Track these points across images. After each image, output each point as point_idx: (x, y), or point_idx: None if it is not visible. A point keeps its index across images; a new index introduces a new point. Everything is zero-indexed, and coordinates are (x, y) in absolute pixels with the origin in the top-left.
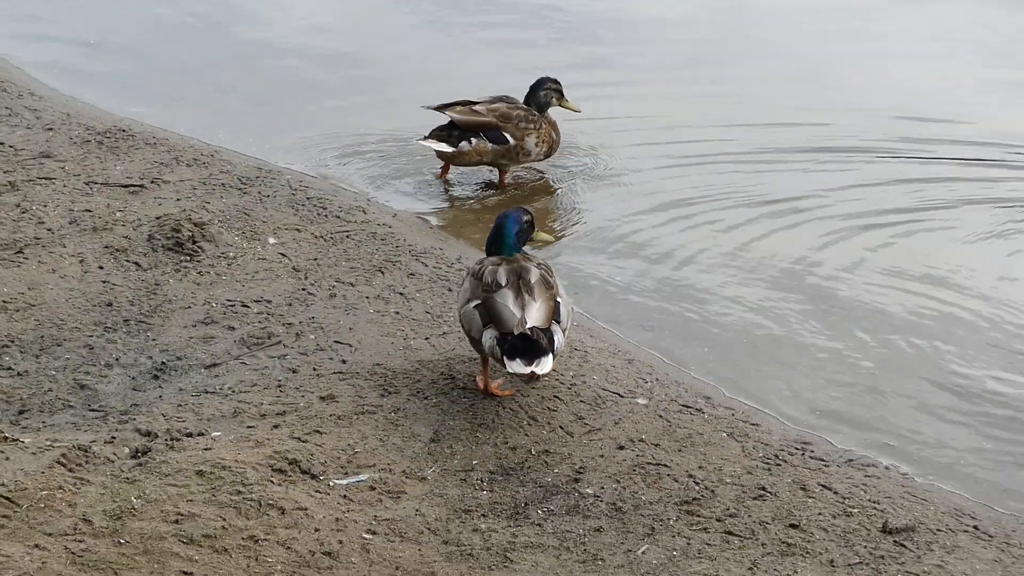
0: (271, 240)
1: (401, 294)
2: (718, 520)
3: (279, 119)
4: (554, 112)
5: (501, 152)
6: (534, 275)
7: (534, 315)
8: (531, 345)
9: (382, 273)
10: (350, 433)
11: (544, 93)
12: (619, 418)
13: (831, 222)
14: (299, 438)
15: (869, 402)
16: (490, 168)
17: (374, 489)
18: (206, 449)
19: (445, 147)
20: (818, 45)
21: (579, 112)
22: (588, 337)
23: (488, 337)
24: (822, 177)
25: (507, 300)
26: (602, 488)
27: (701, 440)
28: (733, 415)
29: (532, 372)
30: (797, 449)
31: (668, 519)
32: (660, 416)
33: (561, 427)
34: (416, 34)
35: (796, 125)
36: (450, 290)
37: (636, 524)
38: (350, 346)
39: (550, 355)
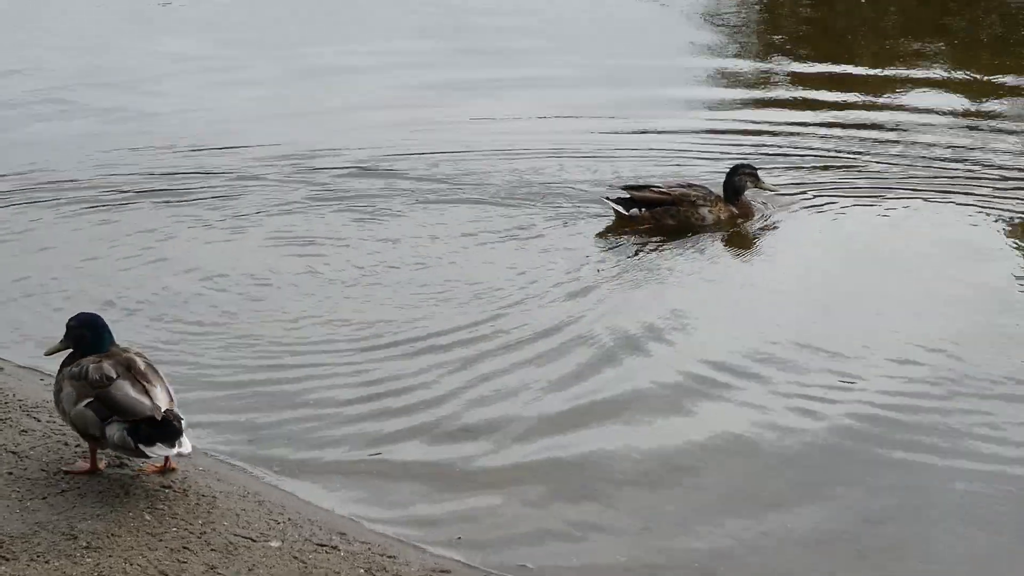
0: None
1: (13, 453)
2: None
3: None
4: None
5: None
6: (141, 363)
7: (162, 398)
8: (166, 428)
9: None
10: None
11: (739, 179)
12: (253, 564)
13: None
14: None
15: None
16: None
17: None
18: None
19: (621, 210)
20: None
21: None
22: (216, 481)
23: (116, 429)
24: None
25: (127, 390)
26: None
27: None
28: (370, 549)
29: (179, 454)
30: None
31: None
32: (295, 558)
33: None
34: None
35: None
36: (67, 444)
37: None
38: None
39: (183, 435)
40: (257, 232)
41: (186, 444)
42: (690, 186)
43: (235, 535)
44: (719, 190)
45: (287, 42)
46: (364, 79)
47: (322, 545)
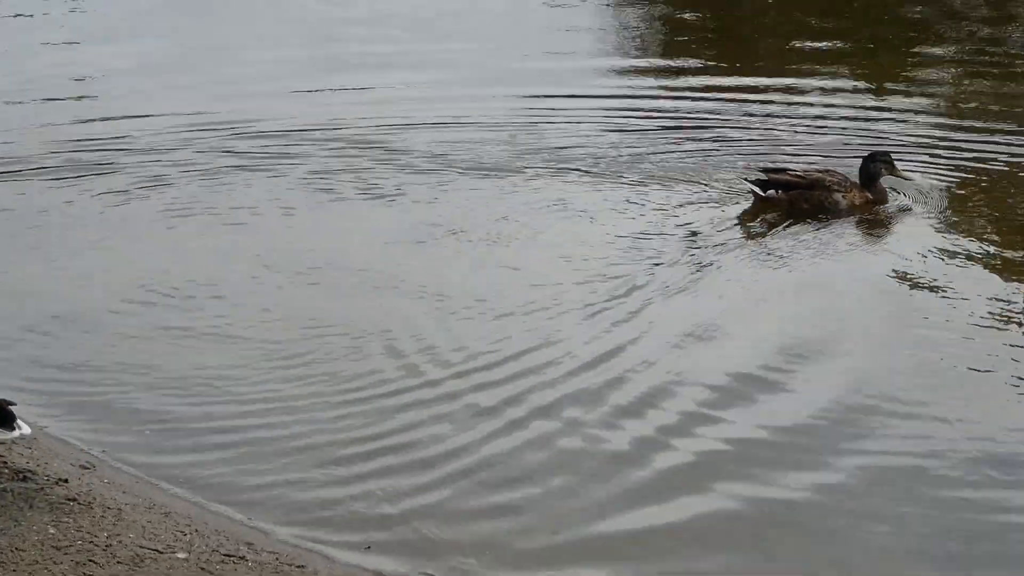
0: None
1: None
2: None
3: None
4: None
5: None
6: None
7: None
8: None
9: None
10: None
11: (874, 166)
12: None
13: None
14: None
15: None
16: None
17: None
18: None
19: (759, 191)
20: None
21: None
22: (121, 493)
23: None
24: None
25: None
26: None
27: None
28: (278, 559)
29: (21, 435)
30: None
31: None
32: (202, 569)
33: None
34: None
35: None
36: None
37: None
38: None
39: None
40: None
41: (25, 427)
42: (826, 171)
43: (141, 547)
44: (855, 177)
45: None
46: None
47: (229, 555)
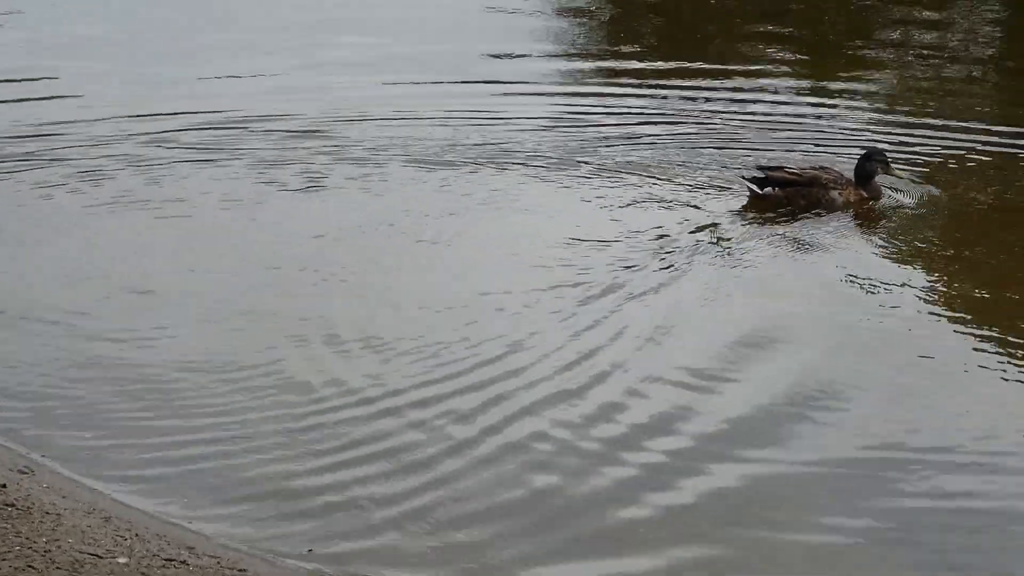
0: None
1: None
2: None
3: None
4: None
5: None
6: None
7: None
8: None
9: None
10: None
11: (870, 164)
12: None
13: None
14: None
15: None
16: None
17: None
18: None
19: (756, 188)
20: None
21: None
22: (60, 498)
23: None
24: None
25: None
26: None
27: None
28: (219, 563)
29: None
30: None
31: None
32: (143, 573)
33: None
34: None
35: None
36: None
37: None
38: None
39: None
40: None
41: None
42: (822, 168)
43: (81, 552)
44: (851, 174)
45: None
46: None
47: (170, 560)
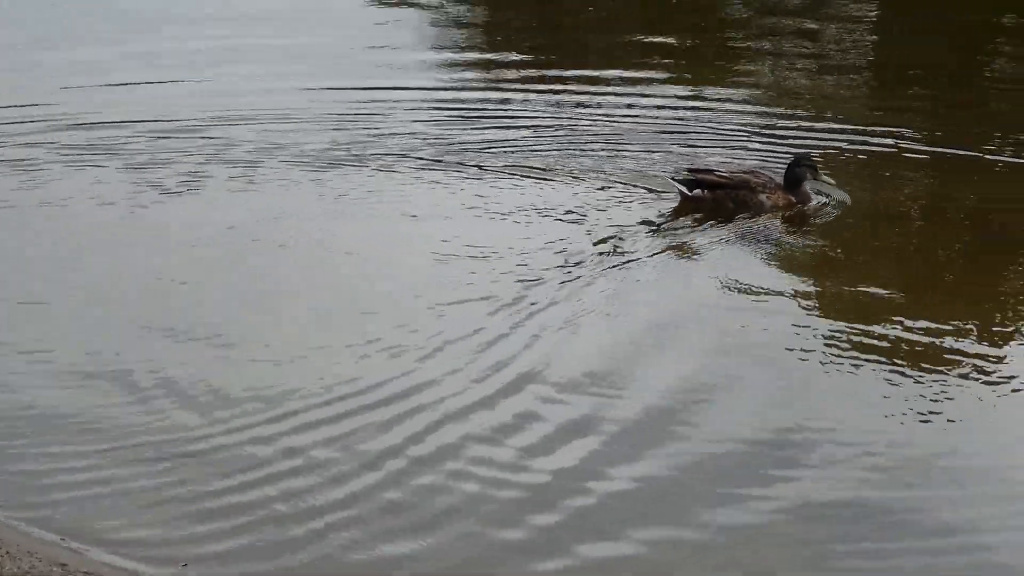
0: None
1: None
2: None
3: None
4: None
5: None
6: None
7: None
8: None
9: None
10: None
11: (799, 170)
12: None
13: None
14: None
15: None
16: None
17: None
18: None
19: (685, 190)
20: None
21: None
22: None
23: None
24: None
25: None
26: None
27: None
28: None
29: None
30: None
31: None
32: None
33: None
34: None
35: None
36: None
37: None
38: None
39: None
40: None
41: None
42: (752, 172)
43: None
44: (780, 178)
45: None
46: None
47: None
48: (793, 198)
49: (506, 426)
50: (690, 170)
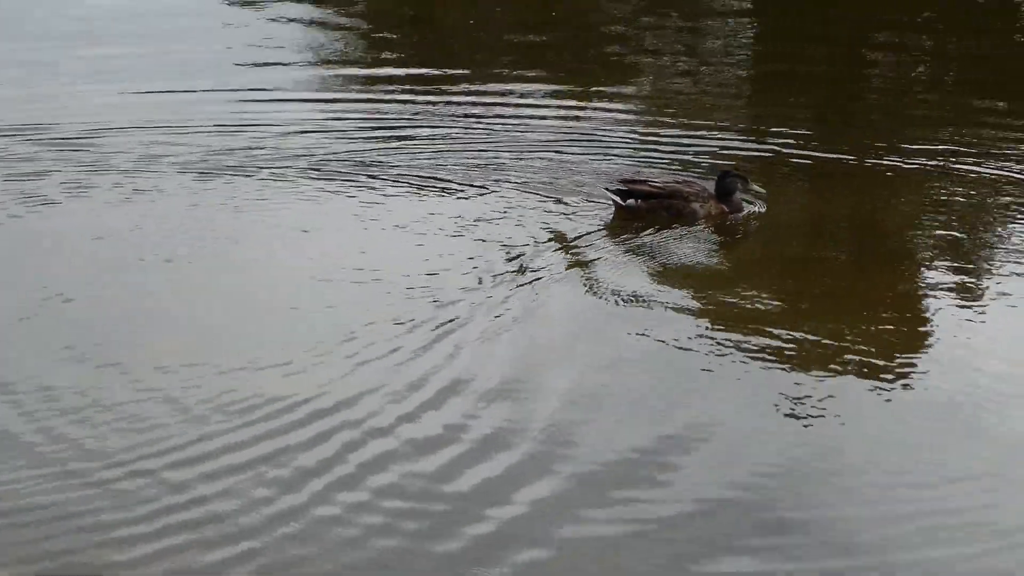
0: None
1: None
2: None
3: None
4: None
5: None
6: None
7: None
8: None
9: None
10: None
11: (730, 181)
12: None
13: None
14: None
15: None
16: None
17: None
18: None
19: (619, 200)
20: None
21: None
22: None
23: None
24: None
25: None
26: None
27: None
28: None
29: None
30: None
31: None
32: None
33: None
34: None
35: None
36: None
37: None
38: None
39: None
40: None
41: None
42: (685, 182)
43: None
44: (712, 187)
45: None
46: None
47: None
48: (726, 208)
49: (426, 443)
50: (623, 180)
